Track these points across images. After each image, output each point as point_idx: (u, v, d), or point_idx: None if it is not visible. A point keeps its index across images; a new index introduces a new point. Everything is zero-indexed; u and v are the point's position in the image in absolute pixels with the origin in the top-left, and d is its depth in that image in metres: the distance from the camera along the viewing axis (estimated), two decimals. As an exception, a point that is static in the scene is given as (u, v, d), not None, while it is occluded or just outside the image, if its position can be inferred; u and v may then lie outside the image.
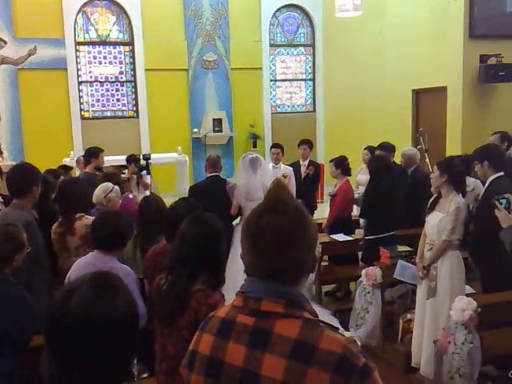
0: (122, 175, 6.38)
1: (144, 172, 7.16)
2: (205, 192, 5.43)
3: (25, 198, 3.90)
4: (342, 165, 6.49)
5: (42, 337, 1.29)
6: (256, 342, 1.37)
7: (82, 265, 3.27)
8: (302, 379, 1.28)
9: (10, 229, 3.18)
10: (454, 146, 9.36)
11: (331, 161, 6.67)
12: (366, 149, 7.12)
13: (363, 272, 5.01)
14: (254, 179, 5.64)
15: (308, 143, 7.54)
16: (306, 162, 7.42)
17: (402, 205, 5.81)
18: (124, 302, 1.30)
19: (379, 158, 6.06)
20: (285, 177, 6.63)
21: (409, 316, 4.73)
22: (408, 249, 5.19)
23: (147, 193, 6.85)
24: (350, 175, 6.55)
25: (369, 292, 4.92)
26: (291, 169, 7.07)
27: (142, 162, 7.21)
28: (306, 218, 1.44)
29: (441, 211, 4.26)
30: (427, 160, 8.64)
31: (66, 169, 7.06)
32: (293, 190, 6.49)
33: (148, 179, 7.26)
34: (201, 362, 1.45)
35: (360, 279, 5.03)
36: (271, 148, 7.54)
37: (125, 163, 7.18)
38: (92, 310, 1.24)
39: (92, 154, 6.62)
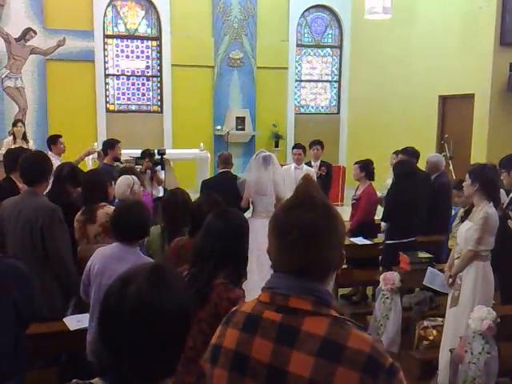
0: (137, 167, 6.42)
1: (158, 167, 7.02)
2: (216, 186, 5.65)
3: (40, 186, 3.91)
4: (367, 168, 6.42)
5: (96, 324, 1.30)
6: (284, 338, 1.36)
7: (107, 256, 3.24)
8: (331, 377, 1.28)
9: None
10: (479, 155, 9.23)
11: (356, 163, 6.59)
12: (394, 153, 7.02)
13: (381, 277, 4.96)
14: (265, 175, 5.90)
15: (320, 144, 7.54)
16: (318, 163, 7.42)
17: (424, 211, 5.75)
18: (179, 294, 1.32)
19: (404, 163, 6.00)
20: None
21: (426, 323, 4.67)
22: (428, 255, 5.13)
23: (160, 188, 6.88)
24: (373, 179, 6.48)
25: (387, 298, 4.88)
26: (313, 170, 7.05)
27: (157, 157, 7.04)
28: (335, 214, 1.43)
29: (471, 220, 4.19)
30: (451, 167, 8.55)
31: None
32: None
33: (162, 174, 7.20)
34: (226, 356, 1.44)
35: (379, 286, 4.98)
36: (293, 148, 7.51)
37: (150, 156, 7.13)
38: (148, 299, 1.25)
39: (108, 146, 6.85)
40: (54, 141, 6.88)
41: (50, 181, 4.26)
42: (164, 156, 7.14)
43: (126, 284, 1.28)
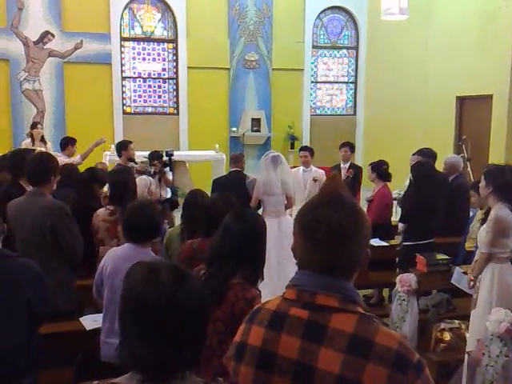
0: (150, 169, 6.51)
1: (167, 169, 7.08)
2: (226, 185, 5.89)
3: (45, 186, 3.92)
4: (378, 169, 6.35)
5: (128, 318, 1.32)
6: (311, 335, 1.37)
7: (120, 257, 3.24)
8: (360, 374, 1.29)
9: None
10: (497, 156, 9.12)
11: (370, 164, 6.58)
12: (413, 154, 6.93)
13: (398, 278, 4.92)
14: (274, 176, 6.00)
15: (349, 145, 7.47)
16: (347, 165, 7.34)
17: (441, 213, 5.70)
18: (200, 288, 1.36)
19: (422, 164, 5.94)
20: (315, 180, 6.56)
21: (442, 325, 4.61)
22: (445, 257, 5.09)
23: (168, 190, 6.91)
24: (389, 180, 6.40)
25: (404, 300, 4.83)
26: (322, 172, 7.00)
27: (165, 159, 7.10)
28: (362, 213, 1.46)
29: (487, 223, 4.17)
30: (469, 169, 8.45)
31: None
32: None
33: (170, 176, 7.23)
34: (251, 353, 1.45)
35: (395, 288, 4.94)
36: (300, 151, 7.42)
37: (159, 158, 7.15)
38: (180, 289, 1.30)
39: (122, 147, 7.04)
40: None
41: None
42: (172, 157, 7.19)
43: (154, 272, 1.31)
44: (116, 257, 3.28)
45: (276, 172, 6.02)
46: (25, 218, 3.77)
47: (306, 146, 7.45)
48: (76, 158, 7.59)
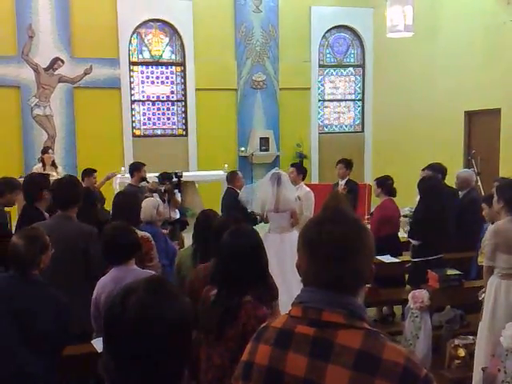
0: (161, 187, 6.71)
1: (175, 190, 7.15)
2: (222, 203, 6.70)
3: (72, 210, 3.96)
4: (383, 184, 6.33)
5: (102, 337, 1.32)
6: (318, 352, 1.36)
7: (108, 282, 3.27)
8: None
9: (34, 231, 3.22)
10: (507, 170, 9.06)
11: (375, 180, 6.57)
12: (423, 169, 6.87)
13: (410, 295, 4.88)
14: (271, 192, 6.10)
15: (343, 162, 7.43)
16: (344, 182, 7.33)
17: (452, 228, 5.66)
18: (179, 305, 1.32)
19: (427, 179, 5.93)
20: (299, 199, 6.43)
21: (456, 341, 4.57)
22: (457, 272, 5.04)
23: (177, 211, 6.96)
24: (394, 195, 6.35)
25: (417, 316, 4.79)
26: (309, 191, 6.75)
27: (174, 180, 7.21)
28: (365, 227, 1.46)
29: None
30: (479, 183, 8.41)
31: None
32: (308, 213, 6.39)
33: (179, 197, 7.29)
34: (258, 372, 1.44)
35: (408, 305, 4.90)
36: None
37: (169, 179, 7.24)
38: (149, 309, 1.26)
39: (134, 169, 7.35)
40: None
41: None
42: (181, 179, 7.29)
43: (127, 296, 1.28)
44: (105, 284, 3.30)
45: (273, 189, 6.09)
46: (55, 242, 3.79)
47: (293, 163, 7.37)
48: None
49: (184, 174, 7.86)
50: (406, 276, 6.09)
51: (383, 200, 6.34)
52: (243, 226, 2.90)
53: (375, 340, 1.35)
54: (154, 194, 5.14)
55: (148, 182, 7.08)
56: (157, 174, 7.40)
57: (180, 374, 1.33)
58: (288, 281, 5.13)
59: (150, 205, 4.86)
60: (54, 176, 7.99)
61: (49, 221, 4.03)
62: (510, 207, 4.06)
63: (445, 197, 5.72)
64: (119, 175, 9.75)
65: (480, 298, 4.27)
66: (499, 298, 4.08)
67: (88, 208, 4.84)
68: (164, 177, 7.12)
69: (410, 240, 6.06)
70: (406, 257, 6.09)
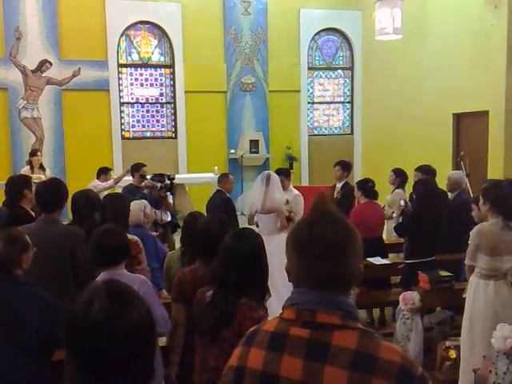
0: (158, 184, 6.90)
1: (168, 192, 7.17)
2: (209, 205, 6.65)
3: (57, 212, 3.93)
4: (363, 187, 6.30)
5: (64, 344, 1.30)
6: (314, 354, 1.35)
7: None
8: None
9: (12, 231, 3.17)
10: (495, 171, 9.14)
11: (356, 182, 6.54)
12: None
13: (401, 296, 4.89)
14: (258, 194, 6.10)
15: (340, 164, 7.40)
16: (340, 184, 7.31)
17: (443, 230, 5.68)
18: (139, 308, 1.30)
19: (425, 182, 5.93)
20: (287, 202, 6.36)
21: (447, 343, 4.58)
22: (448, 274, 5.06)
23: (168, 213, 6.96)
24: (375, 198, 6.29)
25: (408, 318, 4.79)
26: (297, 194, 6.60)
27: (167, 182, 7.20)
28: (353, 228, 1.46)
29: None
30: (468, 185, 8.46)
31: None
32: (296, 216, 6.22)
33: (171, 200, 7.29)
34: (252, 377, 1.41)
35: (399, 306, 4.90)
36: None
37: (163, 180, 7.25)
38: (113, 314, 1.25)
39: (135, 169, 7.61)
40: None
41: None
42: (174, 181, 7.28)
43: (89, 303, 1.26)
44: None
45: (262, 188, 6.08)
46: (41, 245, 3.74)
47: (278, 170, 6.90)
48: (109, 182, 8.40)
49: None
50: (396, 278, 6.10)
51: (361, 203, 6.32)
52: (246, 229, 2.89)
53: (371, 340, 1.35)
54: (135, 202, 5.07)
55: (147, 179, 7.22)
56: (149, 176, 7.39)
57: (147, 375, 1.31)
58: (275, 283, 5.11)
59: (137, 208, 4.80)
60: (42, 178, 7.93)
61: (33, 224, 3.99)
62: (496, 209, 4.07)
63: (438, 199, 5.74)
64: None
65: (464, 296, 4.28)
66: (477, 298, 4.11)
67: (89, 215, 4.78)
68: (158, 177, 7.18)
69: (396, 235, 6.03)
70: (395, 259, 6.09)
